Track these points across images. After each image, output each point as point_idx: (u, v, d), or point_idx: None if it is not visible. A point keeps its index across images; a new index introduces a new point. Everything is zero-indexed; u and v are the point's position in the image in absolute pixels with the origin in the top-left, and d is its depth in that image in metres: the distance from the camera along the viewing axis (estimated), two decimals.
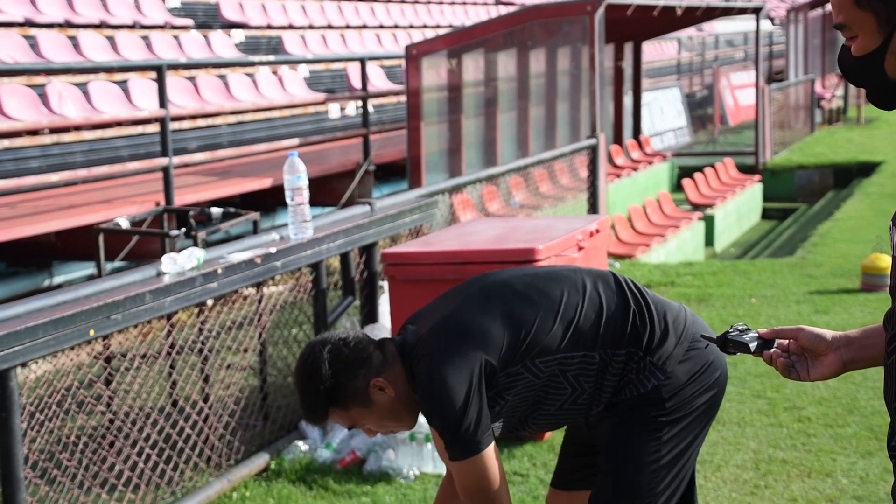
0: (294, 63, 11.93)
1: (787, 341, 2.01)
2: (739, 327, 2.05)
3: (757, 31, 14.92)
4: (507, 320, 2.47)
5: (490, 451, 2.44)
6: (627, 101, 14.33)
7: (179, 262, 4.19)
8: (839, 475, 4.45)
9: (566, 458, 2.83)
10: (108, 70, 9.28)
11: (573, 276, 2.60)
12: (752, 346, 2.01)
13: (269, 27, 13.26)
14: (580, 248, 5.06)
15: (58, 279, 7.76)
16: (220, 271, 4.25)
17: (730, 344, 2.03)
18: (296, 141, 9.28)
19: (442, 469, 4.65)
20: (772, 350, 2.02)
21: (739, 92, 21.92)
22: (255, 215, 5.93)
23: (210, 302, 4.89)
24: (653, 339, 2.51)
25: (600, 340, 2.50)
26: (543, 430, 2.66)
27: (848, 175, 15.18)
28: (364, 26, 15.05)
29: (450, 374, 2.42)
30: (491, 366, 2.44)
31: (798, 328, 1.99)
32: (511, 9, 16.03)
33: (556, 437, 5.00)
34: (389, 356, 2.53)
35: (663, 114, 18.02)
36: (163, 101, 7.26)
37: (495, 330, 2.46)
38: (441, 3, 18.22)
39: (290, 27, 13.54)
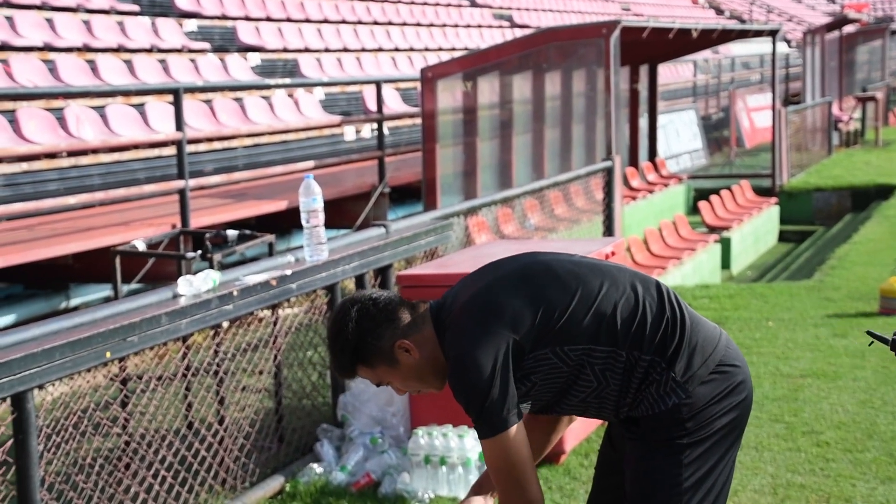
0: (310, 86, 11.98)
1: None
2: None
3: (773, 54, 14.91)
4: (541, 303, 2.48)
5: (516, 430, 2.44)
6: (643, 123, 14.32)
7: (195, 284, 4.20)
8: (858, 501, 4.40)
9: (600, 479, 2.83)
10: (126, 93, 9.34)
11: (616, 272, 2.59)
12: None
13: (286, 50, 13.33)
14: None
15: (75, 301, 7.79)
16: (235, 293, 4.26)
17: None
18: (311, 163, 9.31)
19: (457, 492, 4.63)
20: None
21: (756, 114, 21.89)
22: (270, 238, 5.94)
23: (225, 324, 4.90)
24: (678, 353, 2.50)
25: (630, 340, 2.49)
26: (569, 414, 2.66)
27: (866, 198, 15.11)
28: (380, 49, 15.12)
29: (477, 351, 2.43)
30: (519, 346, 2.45)
31: None
32: (526, 31, 16.07)
33: (571, 462, 4.97)
34: (420, 319, 2.56)
35: (679, 136, 18.01)
36: (179, 123, 7.30)
37: (527, 311, 2.46)
38: (456, 25, 18.30)
39: (307, 50, 13.62)
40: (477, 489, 2.75)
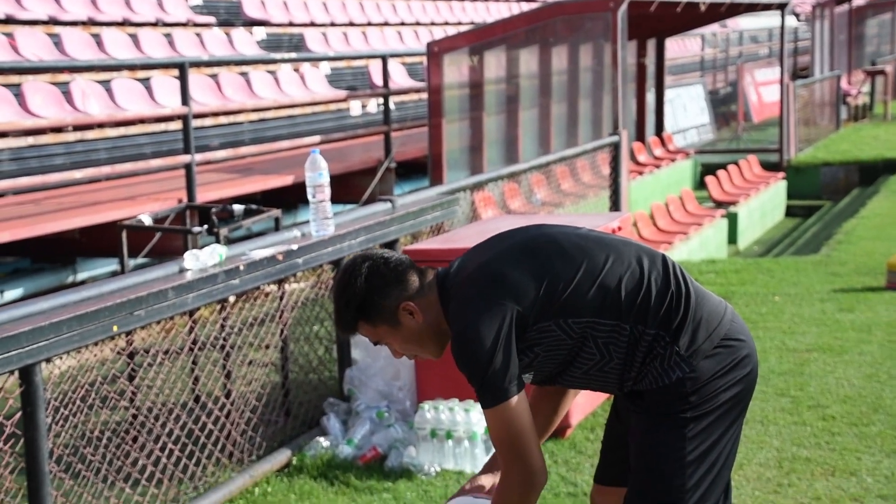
0: (316, 60, 11.95)
1: None
2: None
3: (782, 27, 14.82)
4: (545, 275, 2.48)
5: (518, 400, 2.45)
6: (650, 97, 14.26)
7: (202, 258, 4.20)
8: (864, 474, 4.41)
9: (607, 453, 2.84)
10: (132, 67, 9.32)
11: (621, 246, 2.59)
12: None
13: (291, 24, 13.29)
14: None
15: (81, 275, 7.81)
16: (241, 268, 4.27)
17: None
18: (317, 138, 9.29)
19: (463, 466, 4.65)
20: None
21: (763, 88, 21.78)
22: (276, 212, 5.95)
23: (232, 298, 4.91)
24: (683, 327, 2.50)
25: (634, 314, 2.49)
26: (572, 387, 2.67)
27: (874, 172, 15.05)
28: (386, 23, 15.06)
29: (480, 322, 2.44)
30: (523, 317, 2.45)
31: None
32: (533, 5, 15.98)
33: (577, 436, 4.99)
34: (427, 284, 2.57)
35: (686, 111, 17.93)
36: (185, 98, 7.29)
37: (531, 283, 2.47)
38: (463, 0, 18.20)
39: (312, 24, 13.57)
40: (486, 469, 2.77)
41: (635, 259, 2.55)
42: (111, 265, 7.80)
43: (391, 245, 5.44)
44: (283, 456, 4.75)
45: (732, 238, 12.20)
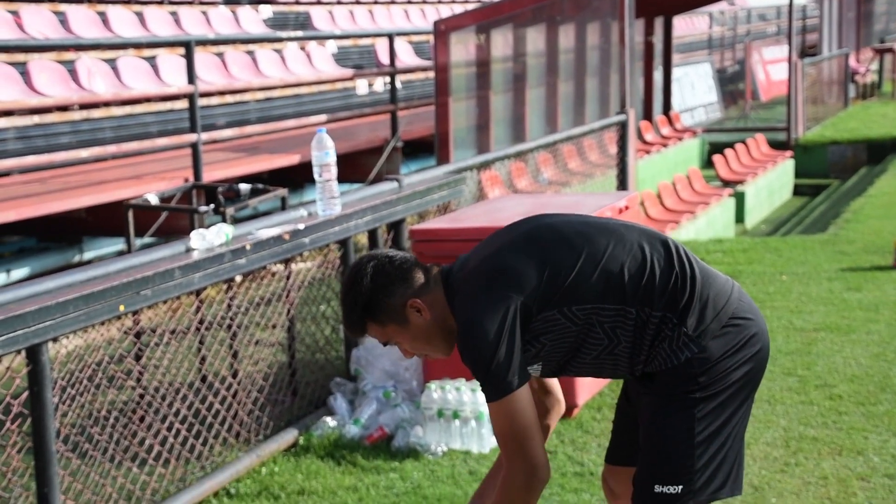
0: (322, 39, 11.90)
1: None
2: None
3: (790, 5, 14.72)
4: (547, 264, 2.48)
5: (522, 393, 2.44)
6: (658, 76, 14.19)
7: (208, 238, 4.20)
8: (871, 453, 4.41)
9: (617, 434, 2.84)
10: (137, 46, 9.29)
11: (623, 230, 2.58)
12: None
13: (297, 3, 13.23)
14: None
15: (88, 255, 7.82)
16: (248, 247, 4.26)
17: None
18: (324, 117, 9.27)
19: (469, 446, 4.65)
20: None
21: (771, 67, 21.67)
22: (283, 192, 5.93)
23: (238, 278, 4.91)
24: (689, 308, 2.49)
25: (638, 297, 2.48)
26: (581, 375, 2.66)
27: (882, 151, 14.98)
28: (392, 2, 14.99)
29: (483, 315, 2.43)
30: (527, 308, 2.45)
31: None
32: None
33: (583, 415, 4.99)
34: (433, 281, 2.57)
35: (694, 89, 17.84)
36: (191, 77, 7.26)
37: (533, 272, 2.47)
38: None
39: (318, 3, 13.50)
40: (477, 499, 2.76)
41: (637, 242, 2.54)
42: (117, 244, 7.80)
43: (398, 224, 5.43)
44: (289, 436, 4.76)
45: (740, 217, 12.17)
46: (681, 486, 2.51)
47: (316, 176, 4.64)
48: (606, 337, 2.50)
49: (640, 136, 12.33)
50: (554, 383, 2.80)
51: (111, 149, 7.47)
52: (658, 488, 2.52)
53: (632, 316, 2.48)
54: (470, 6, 14.75)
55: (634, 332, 2.49)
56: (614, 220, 2.70)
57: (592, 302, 2.47)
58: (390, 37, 9.92)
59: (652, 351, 2.51)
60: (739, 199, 12.19)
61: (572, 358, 2.55)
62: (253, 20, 11.94)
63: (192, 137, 7.28)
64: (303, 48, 11.58)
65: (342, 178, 4.95)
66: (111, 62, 9.10)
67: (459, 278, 2.55)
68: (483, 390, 2.48)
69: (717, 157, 13.31)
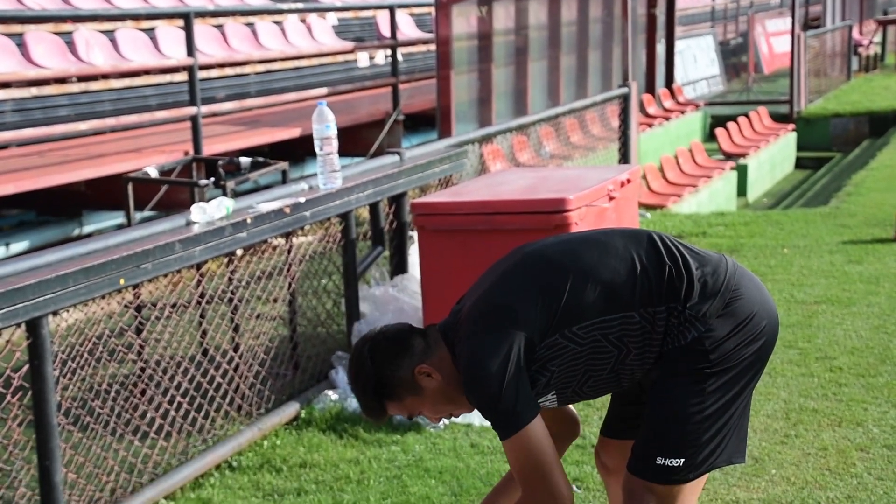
0: (323, 11, 11.84)
1: None
2: None
3: None
4: (541, 292, 2.47)
5: (534, 427, 2.42)
6: (660, 49, 14.12)
7: (209, 211, 4.18)
8: (870, 424, 4.41)
9: (616, 406, 2.83)
10: (136, 17, 9.25)
11: (604, 238, 2.58)
12: None
13: None
14: (611, 199, 5.01)
15: (87, 228, 7.81)
16: (249, 221, 4.25)
17: None
18: (324, 90, 9.23)
19: (471, 418, 4.66)
20: None
21: (774, 39, 21.55)
22: (283, 165, 5.91)
23: (239, 252, 4.89)
24: (691, 293, 2.49)
25: (637, 300, 2.48)
26: (601, 394, 2.64)
27: (884, 123, 14.94)
28: None
29: (485, 354, 2.42)
30: (529, 341, 2.44)
31: None
32: None
33: None
34: (432, 342, 2.55)
35: (696, 62, 17.76)
36: (191, 49, 7.22)
37: (529, 304, 2.45)
38: None
39: None
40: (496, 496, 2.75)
41: (622, 246, 2.53)
42: (117, 218, 7.79)
43: (399, 198, 5.41)
44: (291, 409, 4.76)
45: (742, 190, 12.15)
46: (682, 460, 2.51)
47: (317, 149, 4.62)
48: (615, 348, 2.49)
49: (642, 110, 12.28)
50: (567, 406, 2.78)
51: (110, 121, 7.44)
52: (660, 460, 2.52)
53: (636, 320, 2.48)
54: None
55: (642, 335, 2.49)
56: (594, 230, 2.70)
57: (593, 317, 2.46)
58: (391, 9, 9.87)
59: (665, 341, 2.50)
60: (741, 172, 12.17)
61: (587, 379, 2.54)
62: None
63: (191, 110, 7.25)
64: (303, 20, 11.53)
65: (343, 152, 4.93)
66: (109, 34, 9.05)
67: (456, 328, 2.53)
68: (495, 429, 2.46)
69: (719, 131, 13.27)
